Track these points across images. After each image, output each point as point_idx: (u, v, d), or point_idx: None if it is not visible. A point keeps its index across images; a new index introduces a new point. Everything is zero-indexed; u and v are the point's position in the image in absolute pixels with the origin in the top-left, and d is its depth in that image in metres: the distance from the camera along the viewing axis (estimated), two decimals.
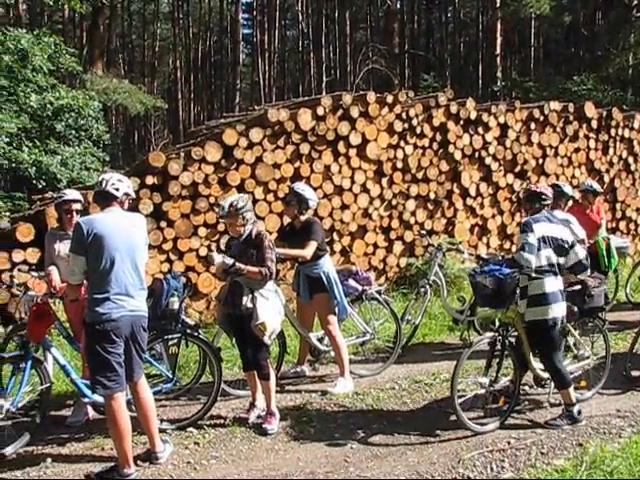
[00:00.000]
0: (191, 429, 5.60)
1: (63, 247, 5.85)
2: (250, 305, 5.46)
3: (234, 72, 34.24)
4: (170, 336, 5.56)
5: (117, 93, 19.48)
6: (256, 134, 9.11)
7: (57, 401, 6.23)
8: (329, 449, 5.23)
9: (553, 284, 5.50)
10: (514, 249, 11.66)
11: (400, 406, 6.20)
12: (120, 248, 4.56)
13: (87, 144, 13.78)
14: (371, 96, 10.18)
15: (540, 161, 12.03)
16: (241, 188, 8.95)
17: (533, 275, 5.46)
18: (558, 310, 5.51)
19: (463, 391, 5.59)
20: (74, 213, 5.91)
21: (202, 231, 8.78)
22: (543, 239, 5.50)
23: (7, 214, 11.26)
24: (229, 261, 5.42)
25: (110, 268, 4.53)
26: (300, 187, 6.67)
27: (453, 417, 5.51)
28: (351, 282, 6.99)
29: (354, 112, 9.95)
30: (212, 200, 8.82)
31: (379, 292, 7.27)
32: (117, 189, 4.73)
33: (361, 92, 11.04)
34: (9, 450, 5.13)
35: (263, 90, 32.22)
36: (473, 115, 11.16)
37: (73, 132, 13.70)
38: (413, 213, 10.74)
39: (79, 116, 13.63)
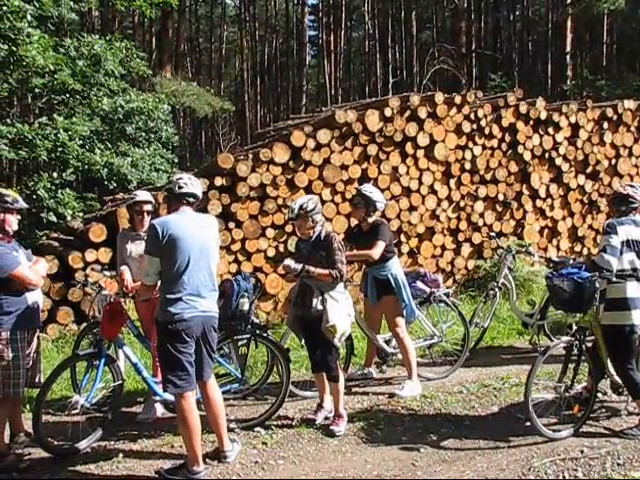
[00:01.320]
0: (259, 429, 5.63)
1: (135, 247, 5.97)
2: (320, 307, 5.45)
3: (300, 74, 34.42)
4: (240, 337, 5.60)
5: (185, 96, 19.74)
6: (324, 135, 9.13)
7: (128, 398, 6.35)
8: (397, 452, 5.18)
9: (635, 289, 5.32)
10: (585, 252, 11.40)
11: (468, 410, 6.11)
12: (193, 249, 4.61)
13: (156, 146, 14.00)
14: (439, 97, 10.09)
15: (613, 161, 11.72)
16: (309, 189, 8.98)
17: (614, 279, 5.29)
18: (638, 317, 5.32)
19: (535, 397, 5.45)
20: (145, 214, 6.02)
21: (270, 232, 8.85)
22: (627, 242, 5.32)
23: (80, 214, 11.54)
24: (298, 266, 5.44)
25: (184, 269, 4.58)
26: (368, 189, 6.64)
27: (523, 423, 5.40)
28: (419, 284, 6.94)
29: (422, 113, 9.88)
30: (280, 201, 8.89)
31: (447, 294, 7.18)
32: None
33: (429, 93, 10.95)
34: (83, 444, 5.26)
35: (329, 91, 32.21)
36: (543, 115, 10.95)
37: (143, 134, 13.93)
38: (481, 215, 10.60)
39: (149, 119, 13.85)
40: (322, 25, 37.35)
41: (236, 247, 8.68)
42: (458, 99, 10.24)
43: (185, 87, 20.12)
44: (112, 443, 5.44)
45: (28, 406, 5.97)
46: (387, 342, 6.86)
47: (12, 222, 5.05)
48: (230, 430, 5.31)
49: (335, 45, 35.64)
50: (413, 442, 5.35)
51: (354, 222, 8.16)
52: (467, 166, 10.41)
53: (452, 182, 10.31)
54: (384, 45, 35.54)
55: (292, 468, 4.96)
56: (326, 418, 5.78)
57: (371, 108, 9.69)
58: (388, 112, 9.59)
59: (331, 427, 5.58)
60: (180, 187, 4.74)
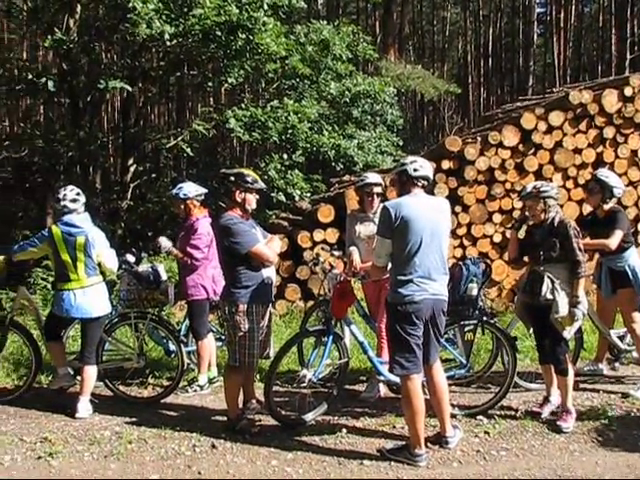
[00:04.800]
0: (481, 417, 5.53)
1: (363, 228, 6.07)
2: (550, 296, 5.22)
3: (526, 54, 33.16)
4: (467, 322, 5.51)
5: (411, 79, 19.80)
6: (556, 117, 8.75)
7: (351, 376, 6.47)
8: (633, 458, 4.82)
9: None
10: None
11: None
12: (425, 232, 4.58)
13: (382, 129, 14.21)
14: None
15: None
16: (539, 174, 8.69)
17: None
18: None
19: None
20: (375, 196, 6.09)
21: (497, 217, 8.70)
22: None
23: (308, 195, 11.99)
24: None
25: (415, 252, 4.57)
26: (604, 174, 6.26)
27: None
28: None
29: None
30: (508, 186, 8.70)
31: None
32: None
33: None
34: (309, 416, 5.46)
35: (557, 71, 30.76)
36: None
37: (369, 117, 14.21)
38: None
39: (374, 102, 14.08)
40: (551, 1, 35.64)
41: (462, 231, 8.61)
42: None
43: (410, 70, 20.18)
44: (336, 418, 5.59)
45: (258, 376, 6.30)
46: (621, 338, 6.46)
47: (252, 201, 5.31)
48: (452, 416, 5.24)
49: (565, 22, 33.84)
50: None
51: (586, 209, 7.74)
52: None
53: None
54: (621, 18, 33.09)
55: (515, 461, 4.81)
56: (552, 413, 5.55)
57: (608, 88, 9.13)
58: (628, 91, 8.97)
59: (558, 422, 5.34)
60: (415, 170, 4.73)
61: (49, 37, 11.68)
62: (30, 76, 12.45)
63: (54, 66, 13.84)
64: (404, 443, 4.86)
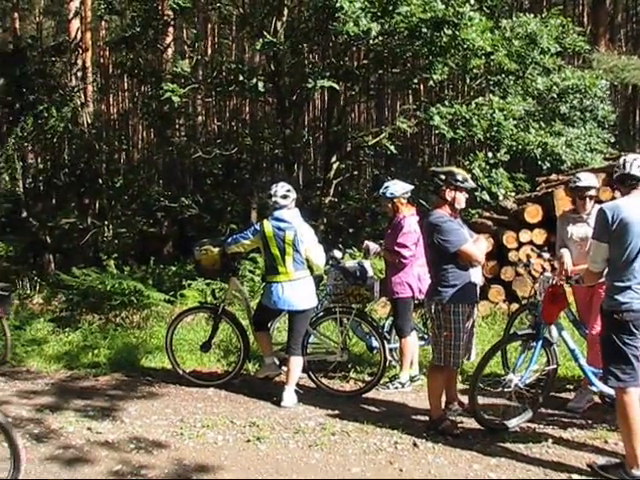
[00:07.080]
0: None
1: (576, 230, 5.81)
2: None
3: None
4: None
5: (626, 71, 18.59)
6: None
7: (558, 384, 6.20)
8: None
9: None
10: None
11: None
12: None
13: (592, 125, 13.50)
14: None
15: None
16: None
17: None
18: None
19: None
20: (587, 199, 5.79)
21: None
22: None
23: (512, 194, 11.70)
24: None
25: (635, 257, 4.29)
26: None
27: None
28: None
29: None
30: None
31: None
32: None
33: None
34: (513, 423, 5.32)
35: None
36: None
37: (577, 113, 13.55)
38: None
39: (584, 97, 13.42)
40: None
41: None
42: None
43: (626, 61, 18.92)
44: (541, 427, 5.41)
45: (460, 377, 6.22)
46: None
47: (461, 200, 5.26)
48: None
49: None
50: None
51: None
52: None
53: None
54: None
55: None
56: None
57: None
58: None
59: None
60: (636, 169, 4.43)
61: (260, 40, 12.23)
62: (241, 77, 13.13)
63: (261, 67, 14.52)
64: (619, 461, 4.56)
